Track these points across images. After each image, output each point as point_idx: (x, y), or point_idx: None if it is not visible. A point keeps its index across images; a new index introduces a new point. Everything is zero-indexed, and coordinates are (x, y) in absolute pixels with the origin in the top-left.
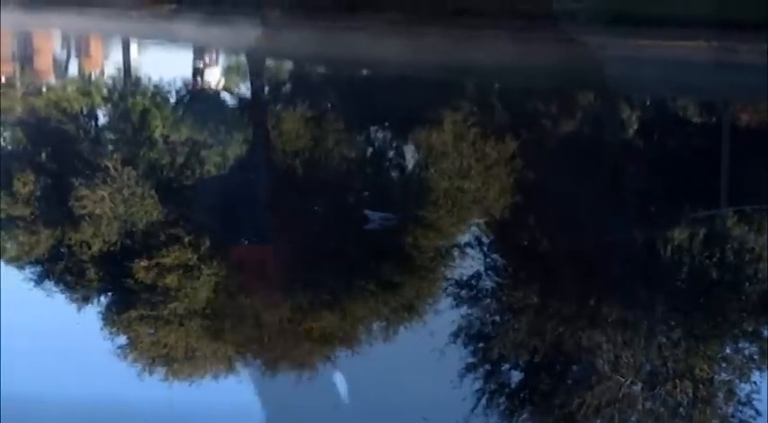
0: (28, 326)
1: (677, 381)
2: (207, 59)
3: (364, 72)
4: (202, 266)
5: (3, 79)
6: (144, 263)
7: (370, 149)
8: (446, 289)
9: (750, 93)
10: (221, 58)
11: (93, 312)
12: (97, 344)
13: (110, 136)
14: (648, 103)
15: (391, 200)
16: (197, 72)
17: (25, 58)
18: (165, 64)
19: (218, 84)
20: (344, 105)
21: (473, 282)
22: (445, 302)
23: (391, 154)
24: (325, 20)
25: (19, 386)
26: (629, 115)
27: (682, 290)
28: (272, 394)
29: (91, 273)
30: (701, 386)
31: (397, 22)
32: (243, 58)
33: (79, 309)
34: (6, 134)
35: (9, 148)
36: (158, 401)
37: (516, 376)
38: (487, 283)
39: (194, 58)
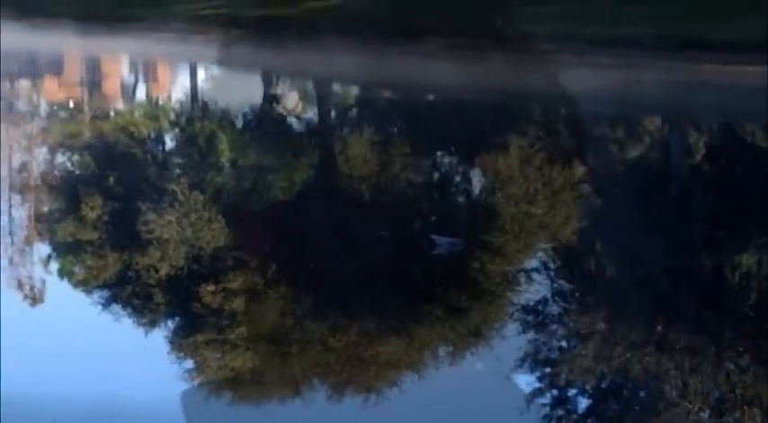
0: (96, 348)
1: (745, 408)
2: (273, 84)
3: (430, 97)
4: (269, 291)
5: (71, 104)
6: (211, 287)
7: (436, 174)
8: (512, 314)
9: None
10: (288, 83)
11: (160, 336)
12: (165, 368)
13: (177, 160)
14: (715, 128)
15: (458, 225)
16: (264, 97)
17: (93, 82)
18: (232, 88)
19: (284, 108)
20: (410, 130)
21: (540, 307)
22: (512, 328)
23: (458, 179)
24: (390, 44)
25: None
26: (696, 140)
27: (750, 316)
28: (339, 419)
29: (158, 297)
30: None
31: (461, 47)
32: (309, 83)
33: (146, 333)
34: (74, 159)
35: (77, 172)
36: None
37: (583, 402)
38: (554, 309)
39: (261, 83)
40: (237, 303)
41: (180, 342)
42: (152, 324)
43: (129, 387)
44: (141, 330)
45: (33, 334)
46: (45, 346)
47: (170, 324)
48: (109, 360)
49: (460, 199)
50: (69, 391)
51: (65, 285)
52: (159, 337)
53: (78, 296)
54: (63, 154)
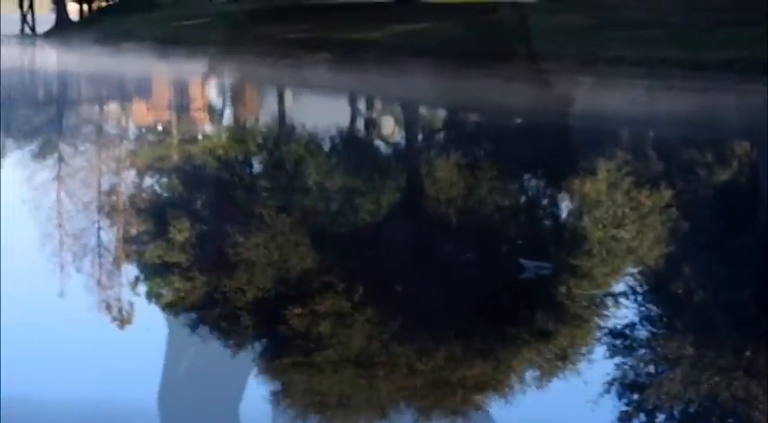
0: (183, 371)
1: None
2: (365, 108)
3: (517, 120)
4: (356, 314)
5: (159, 127)
6: (298, 310)
7: (523, 198)
8: (600, 338)
9: None
10: (373, 106)
11: (247, 359)
12: (252, 390)
13: (264, 183)
14: None
15: (546, 249)
16: (351, 120)
17: (181, 106)
18: (319, 111)
19: (380, 133)
20: (497, 154)
21: (627, 331)
22: (599, 352)
23: (545, 202)
24: (476, 68)
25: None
26: None
27: None
28: None
29: (245, 319)
30: None
31: (550, 71)
32: (396, 106)
33: (233, 355)
34: (162, 181)
35: (165, 195)
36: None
37: None
38: (642, 333)
39: (348, 106)
40: (324, 326)
41: (267, 365)
42: (239, 347)
43: (216, 408)
44: (228, 352)
45: (121, 356)
46: (132, 369)
47: (257, 347)
48: (196, 382)
49: (548, 223)
50: (156, 412)
51: (153, 308)
52: (246, 360)
53: (166, 318)
54: (151, 177)
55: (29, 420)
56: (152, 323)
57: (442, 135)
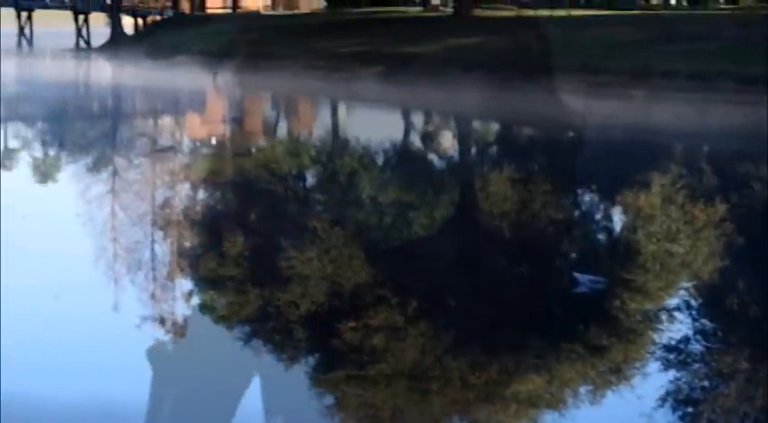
0: (235, 385)
1: None
2: (413, 120)
3: (570, 134)
4: (409, 327)
5: (213, 141)
6: (351, 323)
7: (577, 212)
8: (654, 353)
9: None
10: (427, 120)
11: (300, 372)
12: (305, 404)
13: (318, 197)
14: None
15: (599, 263)
16: (405, 133)
17: (235, 119)
18: (373, 125)
19: (425, 145)
20: (551, 167)
21: (681, 346)
22: (653, 366)
23: (599, 216)
24: (530, 82)
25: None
26: None
27: None
28: None
29: (298, 333)
30: None
31: (602, 84)
32: (449, 120)
33: (286, 369)
34: (216, 195)
35: (219, 208)
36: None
37: None
38: (696, 348)
39: (402, 120)
40: (378, 340)
41: (320, 378)
42: (292, 360)
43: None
44: (281, 366)
45: (175, 368)
46: (185, 381)
47: (310, 360)
48: (250, 396)
49: (602, 237)
50: None
51: (206, 321)
52: (299, 373)
53: (219, 331)
54: (205, 190)
55: None
56: (205, 336)
57: (494, 148)
